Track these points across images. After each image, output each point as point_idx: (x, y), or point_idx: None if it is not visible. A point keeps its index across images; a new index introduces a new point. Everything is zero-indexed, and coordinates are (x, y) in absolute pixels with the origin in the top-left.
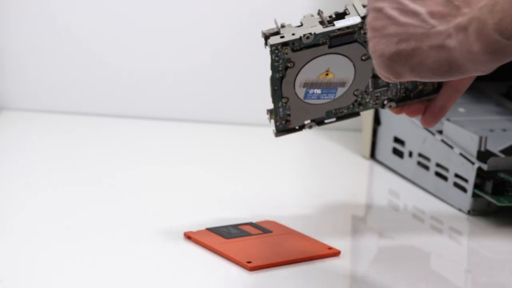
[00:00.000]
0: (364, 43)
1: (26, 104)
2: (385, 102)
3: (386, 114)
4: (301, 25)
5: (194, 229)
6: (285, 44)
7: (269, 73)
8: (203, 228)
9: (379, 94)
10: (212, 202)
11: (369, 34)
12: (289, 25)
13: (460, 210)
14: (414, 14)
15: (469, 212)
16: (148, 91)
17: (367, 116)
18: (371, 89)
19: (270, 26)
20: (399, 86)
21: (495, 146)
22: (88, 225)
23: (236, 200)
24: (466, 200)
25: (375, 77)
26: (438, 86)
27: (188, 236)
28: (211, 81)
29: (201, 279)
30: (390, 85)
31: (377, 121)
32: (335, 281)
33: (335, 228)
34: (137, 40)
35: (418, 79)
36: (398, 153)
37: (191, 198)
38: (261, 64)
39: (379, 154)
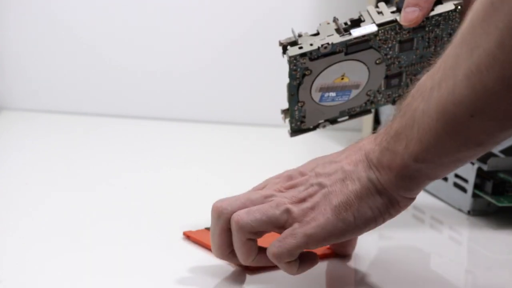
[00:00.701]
0: (379, 48)
1: (26, 104)
2: (396, 98)
3: (386, 114)
4: (317, 33)
5: (193, 229)
6: (303, 54)
7: (270, 74)
8: (203, 228)
9: (390, 92)
10: (212, 202)
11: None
12: (306, 34)
13: (460, 210)
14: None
15: (469, 212)
16: (148, 91)
17: (367, 116)
18: (383, 89)
19: (272, 27)
20: (410, 83)
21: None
22: (87, 225)
23: None
24: (466, 200)
25: (387, 77)
26: None
27: (188, 236)
28: (211, 81)
29: (201, 279)
30: (402, 83)
31: (377, 121)
32: (336, 281)
33: None
34: (138, 40)
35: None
36: None
37: (191, 198)
38: (262, 64)
39: None
